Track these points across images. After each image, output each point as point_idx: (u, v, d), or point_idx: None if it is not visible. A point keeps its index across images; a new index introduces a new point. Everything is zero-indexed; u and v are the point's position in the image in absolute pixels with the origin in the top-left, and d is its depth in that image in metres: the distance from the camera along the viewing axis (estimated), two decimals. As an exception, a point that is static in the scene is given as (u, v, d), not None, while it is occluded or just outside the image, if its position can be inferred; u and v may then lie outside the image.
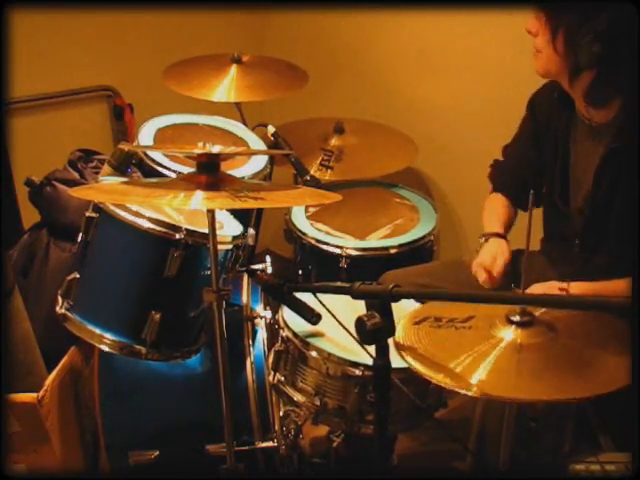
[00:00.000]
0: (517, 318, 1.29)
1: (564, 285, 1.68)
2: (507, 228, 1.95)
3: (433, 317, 1.38)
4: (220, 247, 1.68)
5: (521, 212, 2.00)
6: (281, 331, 1.74)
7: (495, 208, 2.00)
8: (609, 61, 1.55)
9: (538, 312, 1.33)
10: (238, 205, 1.38)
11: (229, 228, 1.82)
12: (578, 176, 1.79)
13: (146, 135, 2.07)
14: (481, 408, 1.68)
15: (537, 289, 1.68)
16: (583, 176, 1.76)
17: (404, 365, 1.29)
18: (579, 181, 1.78)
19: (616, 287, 1.64)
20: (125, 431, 1.88)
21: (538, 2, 1.62)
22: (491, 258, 1.82)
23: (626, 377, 1.17)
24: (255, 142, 2.22)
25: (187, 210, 1.83)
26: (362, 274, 1.49)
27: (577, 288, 1.68)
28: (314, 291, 1.47)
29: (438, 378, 1.23)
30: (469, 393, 1.19)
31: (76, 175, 2.19)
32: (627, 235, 1.67)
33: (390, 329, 1.28)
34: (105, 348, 1.72)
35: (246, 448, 1.84)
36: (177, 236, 1.66)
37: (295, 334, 1.69)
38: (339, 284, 1.74)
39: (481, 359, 1.24)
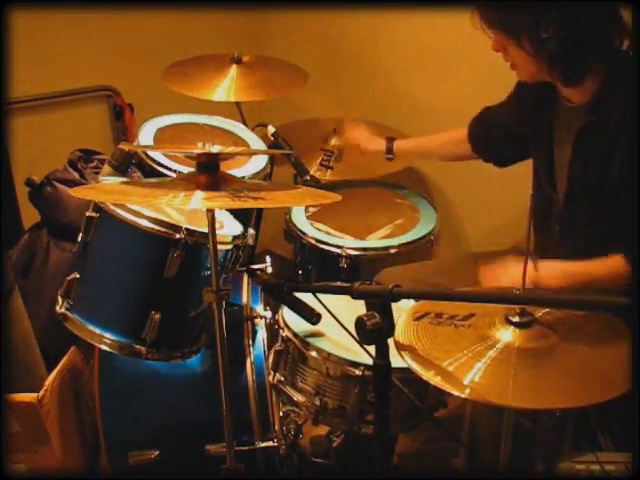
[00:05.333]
0: (516, 319, 1.29)
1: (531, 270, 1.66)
2: (408, 149, 2.34)
3: (434, 313, 1.38)
4: (220, 247, 1.68)
5: (521, 212, 2.00)
6: (281, 331, 1.74)
7: (437, 134, 2.30)
8: (576, 41, 1.57)
9: (539, 313, 1.32)
10: (238, 205, 1.38)
11: (229, 228, 1.82)
12: (560, 157, 1.80)
13: (146, 135, 2.07)
14: (470, 406, 1.68)
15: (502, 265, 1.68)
16: (563, 157, 1.77)
17: (404, 365, 1.29)
18: (561, 162, 1.80)
19: (586, 268, 1.64)
20: (125, 431, 1.88)
21: (489, 24, 1.66)
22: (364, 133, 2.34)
23: (626, 384, 1.16)
24: (255, 142, 2.22)
25: (187, 210, 1.84)
26: (362, 274, 1.49)
27: (545, 268, 1.67)
28: (314, 291, 1.47)
29: (429, 376, 1.23)
30: (460, 394, 1.19)
31: (76, 175, 2.20)
32: (601, 220, 1.69)
33: (390, 329, 1.28)
34: (105, 348, 1.72)
35: (246, 448, 1.84)
36: (177, 236, 1.66)
37: (295, 334, 1.69)
38: (339, 284, 1.73)
39: (475, 360, 1.24)
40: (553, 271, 1.66)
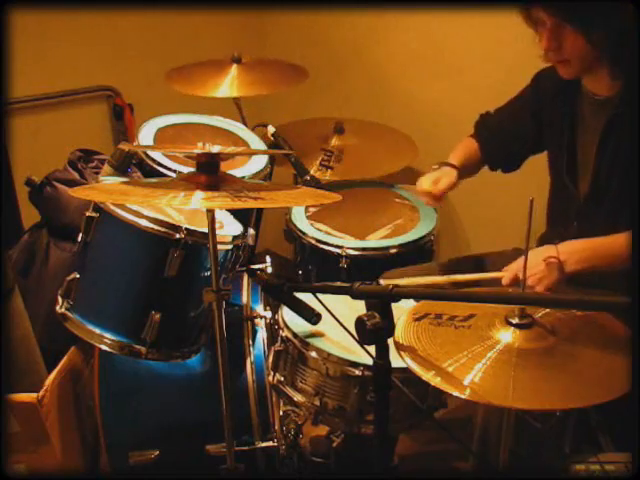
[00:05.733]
0: (515, 320, 1.29)
1: (553, 252, 1.67)
2: (465, 166, 2.04)
3: (434, 314, 1.37)
4: (220, 247, 1.68)
5: (520, 213, 2.00)
6: (281, 331, 1.74)
7: (465, 148, 2.09)
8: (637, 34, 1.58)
9: (538, 314, 1.32)
10: (238, 205, 1.38)
11: (229, 228, 1.82)
12: (584, 149, 1.80)
13: (146, 135, 2.07)
14: (483, 409, 1.68)
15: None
16: (589, 148, 1.77)
17: (404, 365, 1.29)
18: (585, 153, 1.79)
19: (613, 242, 1.64)
20: (125, 431, 1.88)
21: (555, 16, 1.61)
22: (433, 180, 1.93)
23: (626, 385, 1.16)
24: (255, 142, 2.22)
25: (187, 210, 1.84)
26: (362, 274, 1.49)
27: (565, 249, 1.67)
28: (314, 291, 1.47)
29: (429, 377, 1.23)
30: (460, 395, 1.19)
31: (76, 175, 2.20)
32: (622, 211, 1.69)
33: (390, 329, 1.28)
34: (105, 348, 1.71)
35: (246, 448, 1.84)
36: (177, 236, 1.66)
37: (295, 334, 1.69)
38: (339, 284, 1.73)
39: (475, 361, 1.24)
40: (574, 252, 1.66)
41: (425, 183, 1.95)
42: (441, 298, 1.42)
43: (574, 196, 1.82)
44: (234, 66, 2.46)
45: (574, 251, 1.67)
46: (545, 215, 1.98)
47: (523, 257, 1.64)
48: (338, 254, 2.23)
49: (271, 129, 2.23)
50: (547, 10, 1.62)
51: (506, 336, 1.28)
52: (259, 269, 1.53)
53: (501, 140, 2.04)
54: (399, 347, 1.30)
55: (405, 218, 2.43)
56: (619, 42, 1.60)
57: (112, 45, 2.73)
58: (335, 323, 1.39)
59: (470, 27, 2.52)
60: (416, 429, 1.74)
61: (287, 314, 1.72)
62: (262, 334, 1.95)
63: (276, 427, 1.88)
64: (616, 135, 1.69)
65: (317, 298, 1.43)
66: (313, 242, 2.30)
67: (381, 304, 1.26)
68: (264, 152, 2.24)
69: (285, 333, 1.72)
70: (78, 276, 1.74)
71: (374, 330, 1.24)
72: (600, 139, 1.72)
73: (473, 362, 1.23)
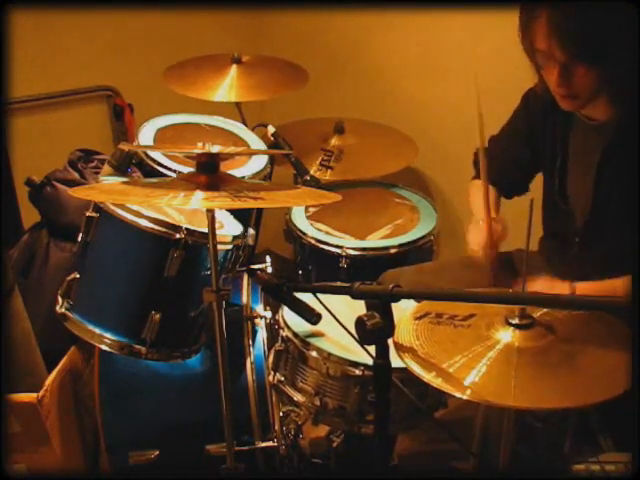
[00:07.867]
0: (515, 320, 1.29)
1: (565, 286, 1.67)
2: (497, 212, 1.96)
3: (434, 313, 1.38)
4: (220, 247, 1.68)
5: (520, 213, 2.00)
6: (281, 331, 1.74)
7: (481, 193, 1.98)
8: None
9: (538, 313, 1.32)
10: (238, 205, 1.38)
11: (229, 228, 1.82)
12: (579, 173, 1.78)
13: (146, 135, 2.07)
14: (483, 409, 1.67)
15: (537, 286, 1.67)
16: (584, 173, 1.75)
17: (404, 365, 1.29)
18: (580, 178, 1.78)
19: (622, 285, 1.63)
20: (125, 431, 1.88)
21: (571, 51, 1.53)
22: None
23: (626, 383, 1.16)
24: (255, 142, 2.22)
25: (187, 210, 1.84)
26: (362, 274, 1.49)
27: (582, 289, 1.66)
28: (314, 291, 1.47)
29: (429, 378, 1.23)
30: (461, 395, 1.19)
31: (76, 175, 2.20)
32: (625, 232, 1.67)
33: (390, 329, 1.28)
34: (105, 348, 1.72)
35: (246, 448, 1.85)
36: (177, 236, 1.66)
37: (295, 334, 1.69)
38: (339, 284, 1.73)
39: (475, 361, 1.24)
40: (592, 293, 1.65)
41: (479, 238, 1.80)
42: (441, 298, 1.42)
43: (568, 214, 1.81)
44: (234, 67, 2.46)
45: (592, 292, 1.65)
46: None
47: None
48: (338, 254, 2.23)
49: (271, 129, 2.23)
50: (564, 49, 1.53)
51: (506, 336, 1.28)
52: (259, 269, 1.52)
53: (503, 169, 1.98)
54: (399, 347, 1.30)
55: (405, 218, 2.43)
56: (629, 69, 1.54)
57: (112, 45, 2.73)
58: (335, 323, 1.39)
59: (470, 27, 2.52)
60: (416, 429, 1.74)
61: (287, 314, 1.72)
62: (262, 334, 1.95)
63: (276, 427, 1.88)
64: (616, 160, 1.66)
65: (317, 298, 1.43)
66: (313, 242, 2.30)
67: (381, 304, 1.26)
68: (264, 152, 2.24)
69: (285, 333, 1.72)
70: (78, 276, 1.74)
71: (374, 330, 1.24)
72: (599, 164, 1.69)
73: (473, 362, 1.23)
